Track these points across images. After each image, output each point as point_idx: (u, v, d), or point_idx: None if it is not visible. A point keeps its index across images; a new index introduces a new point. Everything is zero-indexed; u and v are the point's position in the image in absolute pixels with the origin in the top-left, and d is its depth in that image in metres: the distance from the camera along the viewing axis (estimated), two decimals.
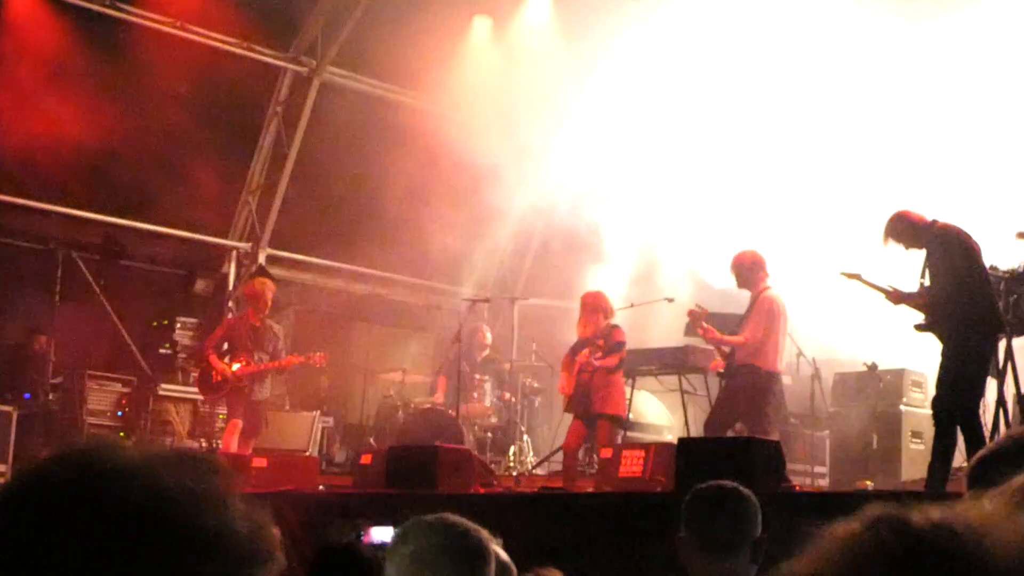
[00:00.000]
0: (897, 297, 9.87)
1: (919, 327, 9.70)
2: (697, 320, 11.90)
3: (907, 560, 1.17)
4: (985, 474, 2.63)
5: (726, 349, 11.76)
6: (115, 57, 15.84)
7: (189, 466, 1.38)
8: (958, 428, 9.32)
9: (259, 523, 1.39)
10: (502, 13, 17.31)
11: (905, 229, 9.78)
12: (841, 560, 1.21)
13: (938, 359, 9.57)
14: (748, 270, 11.76)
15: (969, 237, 9.62)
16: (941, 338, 9.53)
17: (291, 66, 17.92)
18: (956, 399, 9.31)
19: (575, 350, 12.59)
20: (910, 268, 9.94)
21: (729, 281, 12.26)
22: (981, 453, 2.89)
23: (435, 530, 3.42)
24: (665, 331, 14.64)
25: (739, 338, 11.54)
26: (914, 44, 14.57)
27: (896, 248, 9.86)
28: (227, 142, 17.33)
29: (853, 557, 1.20)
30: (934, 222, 9.73)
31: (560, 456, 13.56)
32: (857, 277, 10.22)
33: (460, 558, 3.40)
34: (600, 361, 12.18)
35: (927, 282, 9.63)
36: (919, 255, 9.76)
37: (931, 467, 9.34)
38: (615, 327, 12.66)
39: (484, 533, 3.50)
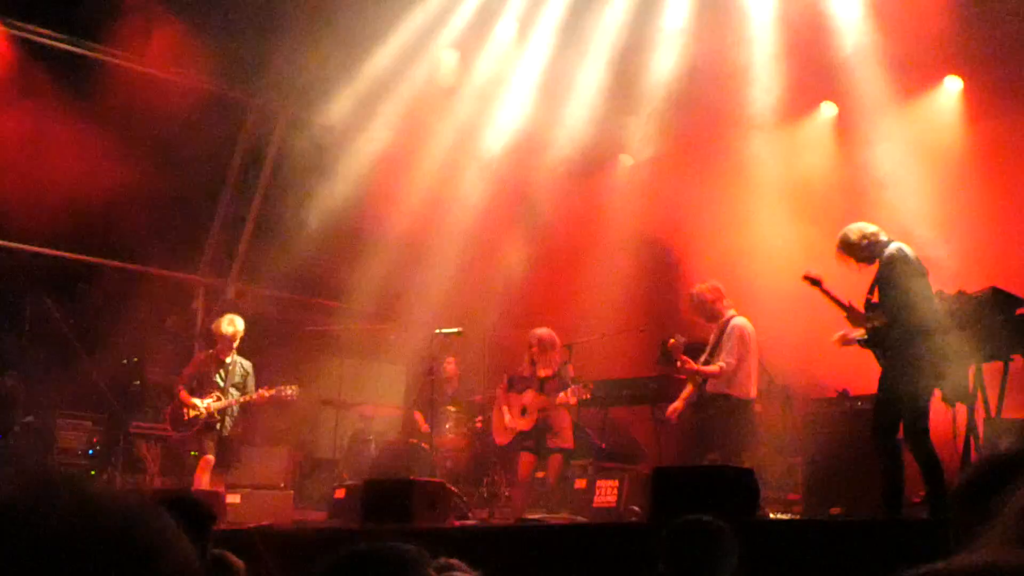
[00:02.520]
0: (855, 317, 9.83)
1: (863, 343, 9.67)
2: (677, 352, 11.86)
3: None
4: (970, 500, 2.67)
5: (699, 379, 11.76)
6: (80, 95, 15.78)
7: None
8: (901, 451, 9.33)
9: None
10: (469, 47, 17.35)
11: (858, 244, 9.80)
12: None
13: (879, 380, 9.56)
14: (711, 303, 11.82)
15: (918, 259, 9.64)
16: (883, 358, 9.46)
17: (257, 101, 17.92)
18: (895, 423, 9.28)
19: (519, 386, 12.78)
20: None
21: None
22: (963, 481, 2.92)
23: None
24: (637, 361, 14.69)
25: (715, 368, 11.53)
26: None
27: (848, 262, 9.88)
28: (194, 179, 17.30)
29: None
30: (888, 242, 9.78)
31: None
32: (820, 282, 10.09)
33: None
34: (573, 400, 12.44)
35: (874, 299, 9.64)
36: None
37: (883, 494, 9.28)
38: (568, 363, 12.92)
39: None
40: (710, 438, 11.56)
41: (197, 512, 5.47)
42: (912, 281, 9.52)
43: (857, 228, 9.91)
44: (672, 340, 11.96)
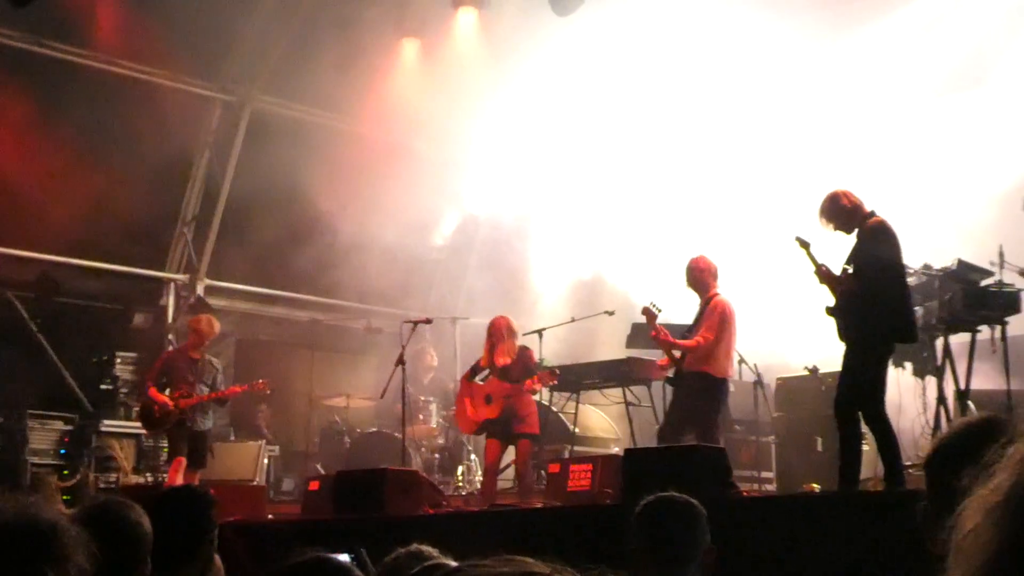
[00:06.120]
0: (825, 276, 9.66)
1: (829, 310, 9.54)
2: (651, 320, 11.75)
3: None
4: (943, 466, 2.68)
5: (677, 354, 11.66)
6: (44, 94, 15.66)
7: None
8: (861, 426, 9.31)
9: None
10: (430, 35, 17.30)
11: (840, 210, 9.65)
12: None
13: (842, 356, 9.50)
14: (706, 274, 11.72)
15: (897, 237, 9.51)
16: (846, 331, 9.36)
17: (220, 95, 17.82)
18: (858, 400, 9.23)
19: (481, 375, 12.87)
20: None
21: (667, 291, 12.27)
22: (934, 446, 2.93)
23: None
24: (607, 344, 14.70)
25: (691, 342, 11.42)
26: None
27: (825, 227, 9.74)
28: (160, 175, 17.16)
29: None
30: (872, 213, 9.61)
31: (508, 473, 13.64)
32: (807, 247, 9.89)
33: None
34: (539, 386, 12.48)
35: (851, 269, 9.51)
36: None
37: (841, 468, 9.20)
38: (528, 349, 12.92)
39: None
40: (686, 416, 11.48)
41: (199, 501, 5.45)
42: (888, 258, 9.39)
43: (843, 194, 9.74)
44: (649, 306, 11.78)
